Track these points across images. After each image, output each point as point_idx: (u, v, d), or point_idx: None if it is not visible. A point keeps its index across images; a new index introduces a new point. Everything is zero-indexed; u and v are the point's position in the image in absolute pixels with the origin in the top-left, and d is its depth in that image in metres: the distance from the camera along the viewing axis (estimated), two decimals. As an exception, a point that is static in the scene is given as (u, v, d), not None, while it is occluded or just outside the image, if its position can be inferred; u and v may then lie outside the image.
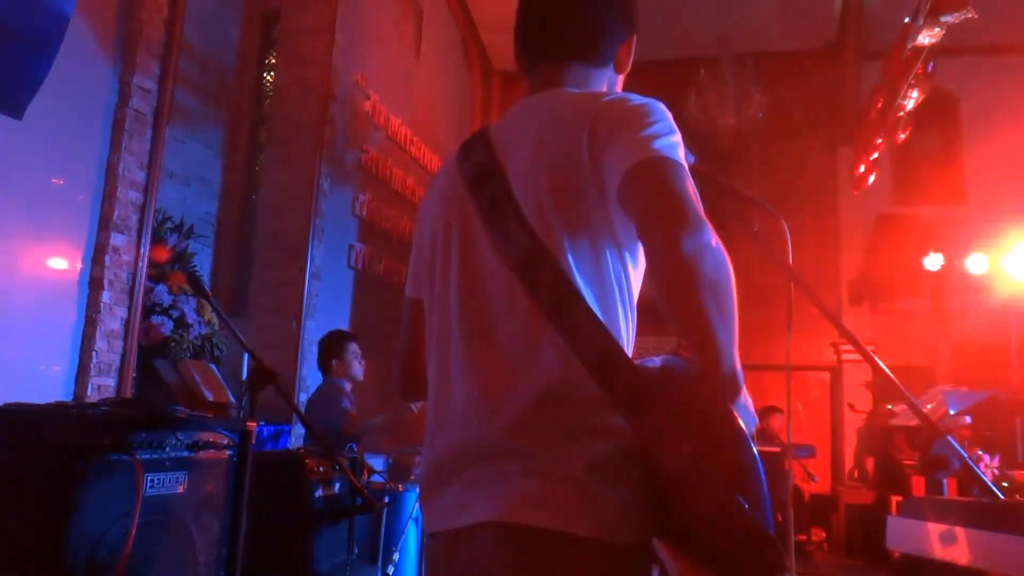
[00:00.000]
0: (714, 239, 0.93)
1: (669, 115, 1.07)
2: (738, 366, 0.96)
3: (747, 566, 0.85)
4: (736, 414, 0.92)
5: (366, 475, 3.42)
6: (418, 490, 1.19)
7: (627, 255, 1.10)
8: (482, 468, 1.04)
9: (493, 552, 1.00)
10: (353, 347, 4.03)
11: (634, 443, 0.98)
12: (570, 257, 1.05)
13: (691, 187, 0.99)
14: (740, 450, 0.88)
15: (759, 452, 0.90)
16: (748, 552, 0.84)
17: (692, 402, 0.94)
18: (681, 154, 1.03)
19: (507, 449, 1.02)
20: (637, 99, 1.09)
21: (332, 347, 4.05)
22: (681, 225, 0.92)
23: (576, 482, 0.97)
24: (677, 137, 1.04)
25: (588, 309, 1.00)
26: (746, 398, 0.99)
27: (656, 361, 1.04)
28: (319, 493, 2.66)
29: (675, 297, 0.93)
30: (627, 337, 1.10)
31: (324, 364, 4.07)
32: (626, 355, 0.99)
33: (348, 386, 4.01)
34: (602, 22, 1.23)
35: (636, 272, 1.13)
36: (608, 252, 1.08)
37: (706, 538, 0.88)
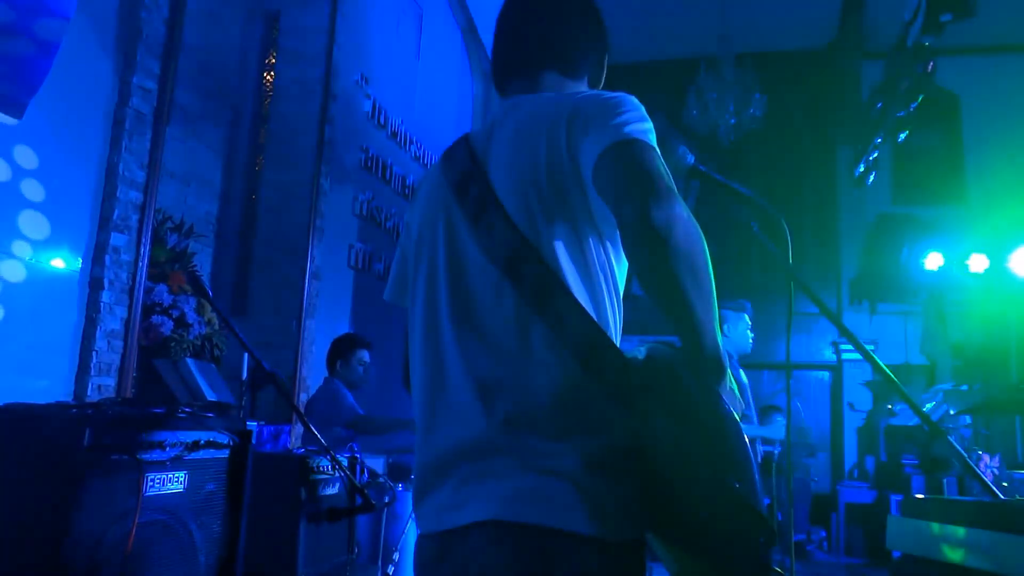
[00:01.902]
0: (686, 211, 0.94)
1: (641, 107, 1.10)
2: (718, 342, 0.97)
3: (740, 544, 0.86)
4: (723, 397, 0.93)
5: (367, 475, 3.42)
6: (413, 490, 1.19)
7: (609, 245, 1.12)
8: (475, 466, 1.04)
9: (488, 551, 1.00)
10: (361, 354, 4.04)
11: (626, 437, 0.99)
12: (555, 250, 1.07)
13: (662, 165, 1.01)
14: (728, 432, 0.89)
15: (748, 436, 0.91)
16: (741, 530, 0.86)
17: (679, 387, 0.94)
18: (652, 138, 1.05)
19: (501, 446, 1.02)
20: (610, 93, 1.13)
21: (340, 349, 4.07)
22: (650, 196, 0.94)
23: (572, 478, 0.98)
24: (648, 124, 1.07)
25: (574, 300, 1.02)
26: (729, 380, 1.00)
27: (643, 349, 1.04)
28: (319, 493, 2.66)
29: (650, 270, 0.93)
30: (614, 327, 1.12)
31: (329, 364, 4.09)
32: (613, 344, 1.00)
33: (348, 390, 4.01)
34: (574, 36, 1.29)
35: (620, 262, 1.14)
36: (592, 242, 1.10)
37: (699, 522, 0.90)
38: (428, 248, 1.21)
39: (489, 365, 1.07)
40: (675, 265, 0.91)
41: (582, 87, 1.31)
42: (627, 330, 1.20)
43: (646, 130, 1.05)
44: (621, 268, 1.15)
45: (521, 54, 1.30)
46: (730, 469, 0.86)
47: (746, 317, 3.77)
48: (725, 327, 3.69)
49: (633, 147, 1.01)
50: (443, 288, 1.16)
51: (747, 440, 0.89)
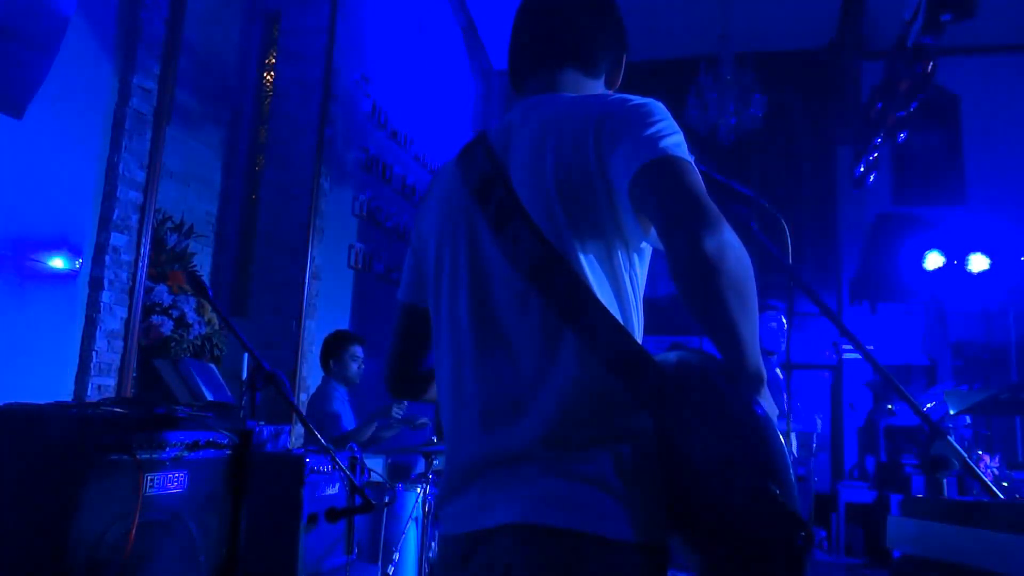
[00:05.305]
0: (734, 236, 0.95)
1: (669, 114, 1.09)
2: (760, 360, 0.97)
3: (778, 548, 0.87)
4: (760, 402, 0.94)
5: (367, 475, 3.42)
6: (437, 494, 1.19)
7: (635, 254, 1.12)
8: (504, 471, 1.04)
9: (513, 553, 1.00)
10: (353, 350, 4.03)
11: (652, 445, 0.99)
12: (582, 258, 1.06)
13: (702, 183, 1.01)
14: (766, 438, 0.90)
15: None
16: (781, 536, 0.86)
17: (715, 393, 0.95)
18: (686, 151, 1.05)
19: (529, 454, 1.02)
20: (638, 99, 1.11)
21: (331, 348, 4.05)
22: (703, 223, 0.94)
23: (600, 483, 0.98)
24: (680, 136, 1.06)
25: (605, 310, 1.01)
26: (766, 391, 1.00)
27: (672, 356, 1.04)
28: (319, 493, 2.66)
29: (700, 294, 0.94)
30: (638, 334, 1.11)
31: (323, 364, 4.08)
32: (647, 352, 1.00)
33: (344, 389, 4.00)
34: (594, 33, 1.27)
35: (643, 270, 1.14)
36: (619, 251, 1.09)
37: (736, 526, 0.90)
38: (449, 254, 1.19)
39: (514, 375, 1.06)
40: (725, 291, 0.92)
41: (600, 86, 1.29)
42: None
43: (680, 143, 1.04)
44: (644, 274, 1.14)
45: (538, 52, 1.28)
46: (769, 475, 0.87)
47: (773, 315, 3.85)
48: None
49: (675, 165, 1.00)
50: (464, 296, 1.15)
51: (783, 442, 0.90)
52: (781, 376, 3.76)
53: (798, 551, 0.86)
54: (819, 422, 4.09)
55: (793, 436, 3.75)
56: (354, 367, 4.02)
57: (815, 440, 5.19)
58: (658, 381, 0.96)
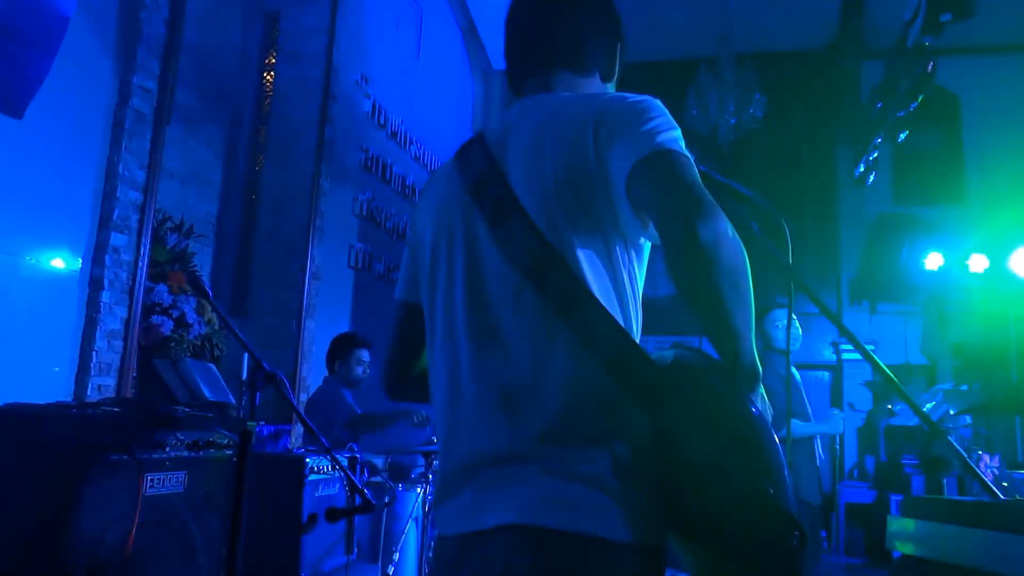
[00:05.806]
0: (730, 227, 0.94)
1: (667, 111, 1.09)
2: (755, 354, 0.97)
3: (772, 548, 0.87)
4: (755, 402, 0.93)
5: (367, 475, 3.42)
6: (432, 494, 1.19)
7: (633, 251, 1.11)
8: (500, 471, 1.04)
9: (510, 555, 0.99)
10: (359, 353, 4.04)
11: (653, 443, 0.99)
12: (579, 255, 1.06)
13: (699, 176, 1.01)
14: (761, 437, 0.90)
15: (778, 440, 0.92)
16: (774, 535, 0.87)
17: (710, 392, 0.95)
18: (683, 146, 1.05)
19: (524, 454, 1.02)
20: (635, 96, 1.11)
21: (338, 349, 4.07)
22: (698, 214, 0.93)
23: (597, 484, 0.98)
24: (678, 131, 1.06)
25: (601, 307, 1.01)
26: (761, 389, 1.00)
27: (668, 355, 1.04)
28: (319, 493, 2.66)
29: (695, 286, 0.94)
30: (636, 332, 1.11)
31: (328, 364, 4.10)
32: (642, 350, 0.99)
33: (348, 391, 4.02)
34: (582, 33, 1.27)
35: (642, 267, 1.14)
36: (617, 248, 1.09)
37: (731, 525, 0.91)
38: (445, 252, 1.19)
39: (509, 373, 1.06)
40: (720, 282, 0.92)
41: (595, 82, 1.29)
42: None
43: (677, 138, 1.04)
44: (642, 272, 1.14)
45: (531, 54, 1.28)
46: (764, 475, 0.87)
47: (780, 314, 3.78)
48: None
49: (671, 158, 1.01)
50: (460, 294, 1.14)
51: (779, 442, 0.90)
52: (798, 378, 3.71)
53: (792, 550, 0.86)
54: (842, 421, 4.06)
55: (818, 439, 3.70)
56: (359, 370, 4.03)
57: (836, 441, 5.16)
58: (654, 380, 0.96)
